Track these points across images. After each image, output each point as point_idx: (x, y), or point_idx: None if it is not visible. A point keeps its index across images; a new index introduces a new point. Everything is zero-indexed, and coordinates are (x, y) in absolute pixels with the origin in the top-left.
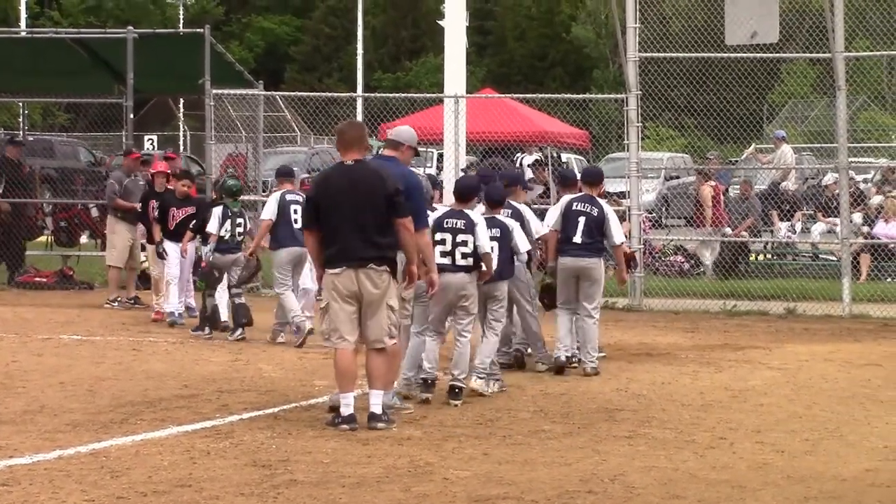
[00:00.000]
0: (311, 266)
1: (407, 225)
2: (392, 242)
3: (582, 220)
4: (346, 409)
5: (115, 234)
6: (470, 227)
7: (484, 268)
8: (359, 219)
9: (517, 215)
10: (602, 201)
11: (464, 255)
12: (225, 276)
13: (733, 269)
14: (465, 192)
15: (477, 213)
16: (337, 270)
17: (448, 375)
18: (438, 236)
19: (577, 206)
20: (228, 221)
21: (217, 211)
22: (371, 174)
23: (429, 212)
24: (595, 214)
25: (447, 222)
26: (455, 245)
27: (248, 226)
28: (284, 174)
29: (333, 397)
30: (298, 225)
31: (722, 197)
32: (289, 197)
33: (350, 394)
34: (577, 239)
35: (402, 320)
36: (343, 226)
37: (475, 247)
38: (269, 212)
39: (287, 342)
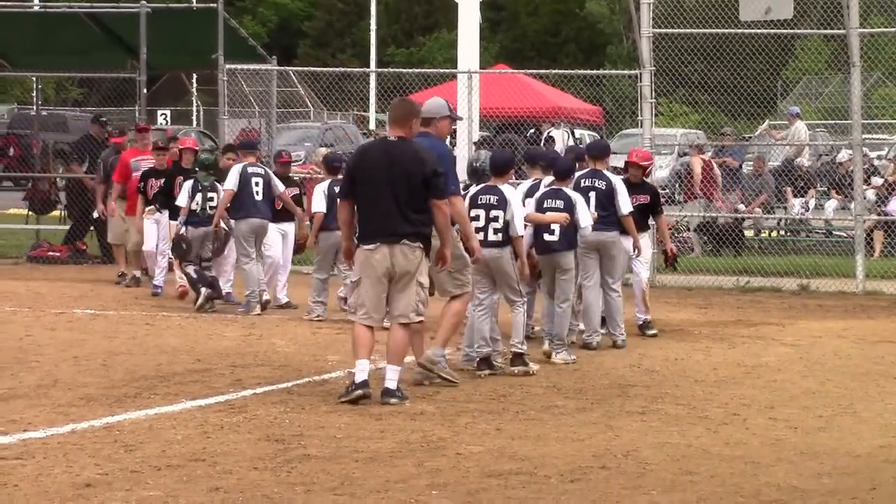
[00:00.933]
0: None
1: (442, 207)
2: (426, 220)
3: (592, 195)
4: (360, 375)
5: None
6: (502, 204)
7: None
8: (394, 195)
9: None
10: (609, 173)
11: (496, 231)
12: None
13: (735, 244)
14: (500, 167)
15: (510, 189)
16: (371, 246)
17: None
18: (473, 213)
19: (584, 182)
20: (199, 195)
21: (187, 185)
22: (411, 153)
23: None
24: (604, 188)
25: (481, 198)
26: (488, 221)
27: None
28: (247, 146)
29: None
30: (260, 197)
31: (717, 171)
32: (250, 169)
33: (364, 360)
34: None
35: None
36: (379, 201)
37: (506, 222)
38: (230, 183)
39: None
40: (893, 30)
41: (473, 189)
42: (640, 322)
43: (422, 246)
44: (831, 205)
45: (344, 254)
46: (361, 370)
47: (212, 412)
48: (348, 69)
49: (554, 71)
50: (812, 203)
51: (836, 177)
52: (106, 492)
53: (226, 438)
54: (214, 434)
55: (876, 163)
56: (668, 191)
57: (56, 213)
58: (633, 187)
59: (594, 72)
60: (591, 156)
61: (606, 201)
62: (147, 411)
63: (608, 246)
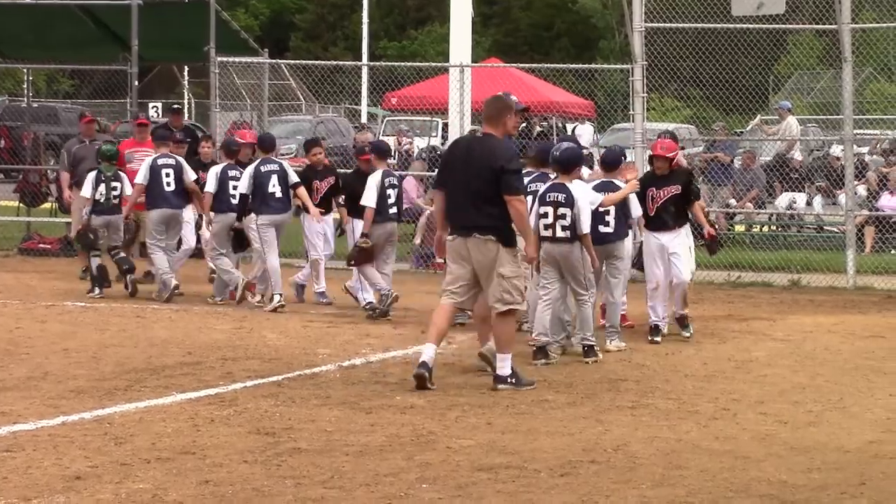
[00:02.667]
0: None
1: (515, 203)
2: (499, 213)
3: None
4: (424, 356)
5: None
6: (570, 202)
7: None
8: (470, 188)
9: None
10: (619, 181)
11: (563, 228)
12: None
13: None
14: (567, 165)
15: (578, 186)
16: (450, 238)
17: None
18: (542, 210)
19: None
20: (103, 185)
21: (91, 175)
22: (488, 148)
23: None
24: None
25: (549, 196)
26: (556, 218)
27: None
28: (159, 138)
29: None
30: (171, 188)
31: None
32: (160, 161)
33: (431, 344)
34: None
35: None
36: (457, 193)
37: (573, 220)
38: (141, 176)
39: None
40: (885, 25)
41: (542, 186)
42: (678, 316)
43: (493, 238)
44: (819, 200)
45: (436, 244)
46: (426, 353)
47: (202, 405)
48: (340, 62)
49: (546, 65)
50: (803, 198)
51: (827, 171)
52: (95, 484)
53: (216, 431)
54: (204, 427)
55: (867, 158)
56: None
57: (47, 205)
58: (661, 179)
59: (586, 66)
60: (603, 165)
61: (620, 210)
62: (137, 404)
63: (614, 250)
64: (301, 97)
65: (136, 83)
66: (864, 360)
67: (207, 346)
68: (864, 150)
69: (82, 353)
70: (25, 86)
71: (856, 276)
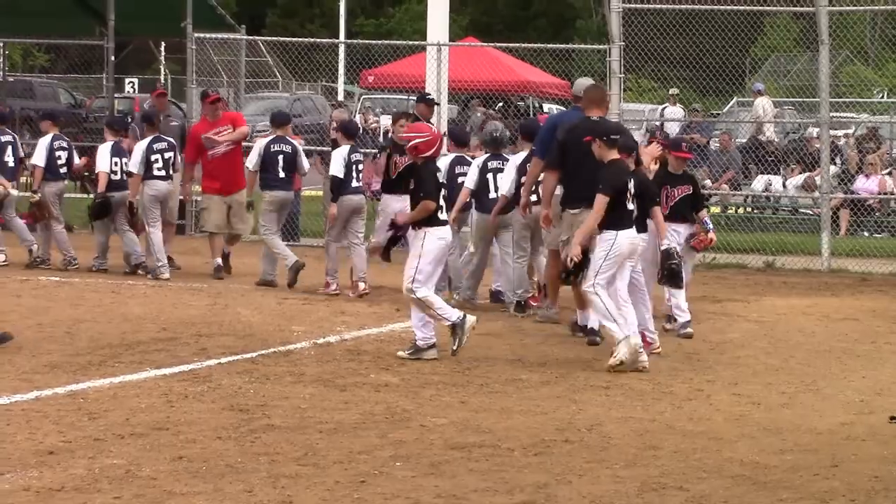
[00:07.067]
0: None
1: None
2: None
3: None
4: (589, 322)
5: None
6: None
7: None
8: (597, 165)
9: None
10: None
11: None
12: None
13: None
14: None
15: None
16: (576, 211)
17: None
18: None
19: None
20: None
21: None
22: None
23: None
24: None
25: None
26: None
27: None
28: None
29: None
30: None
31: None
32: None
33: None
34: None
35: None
36: (586, 171)
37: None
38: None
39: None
40: (862, 8)
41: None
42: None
43: None
44: (794, 181)
45: (543, 219)
46: (586, 316)
47: (176, 381)
48: (317, 39)
49: (523, 45)
50: (779, 181)
51: (802, 155)
52: (69, 459)
53: (190, 408)
54: (178, 403)
55: (841, 141)
56: None
57: (23, 179)
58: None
59: (563, 46)
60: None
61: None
62: (111, 379)
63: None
64: (278, 74)
65: (113, 58)
66: (837, 342)
67: (182, 322)
68: (840, 133)
69: (56, 328)
70: (1, 60)
71: (830, 258)
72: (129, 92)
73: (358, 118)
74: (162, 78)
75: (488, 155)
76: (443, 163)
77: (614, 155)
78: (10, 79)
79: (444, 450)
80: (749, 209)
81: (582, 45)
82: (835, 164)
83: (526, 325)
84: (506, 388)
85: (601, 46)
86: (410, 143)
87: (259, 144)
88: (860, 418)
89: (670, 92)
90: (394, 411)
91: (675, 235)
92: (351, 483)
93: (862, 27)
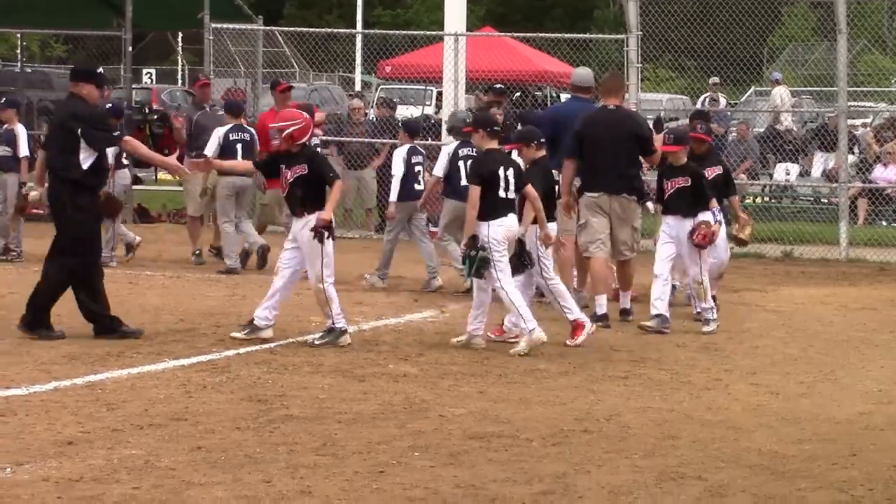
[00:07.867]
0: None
1: (654, 159)
2: (636, 174)
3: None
4: (601, 309)
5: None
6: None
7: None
8: (616, 154)
9: None
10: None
11: None
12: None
13: None
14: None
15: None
16: (595, 195)
17: None
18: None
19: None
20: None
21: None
22: (628, 118)
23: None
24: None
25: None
26: None
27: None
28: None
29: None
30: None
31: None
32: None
33: (604, 296)
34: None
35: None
36: (603, 160)
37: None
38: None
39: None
40: None
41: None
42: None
43: (635, 198)
44: (817, 169)
45: (564, 206)
46: (600, 305)
47: (194, 372)
48: (334, 30)
49: (540, 34)
50: (796, 170)
51: (825, 138)
52: (87, 450)
53: (208, 398)
54: (197, 394)
55: (859, 132)
56: None
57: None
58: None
59: (581, 35)
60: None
61: None
62: (130, 370)
63: None
64: (295, 65)
65: (130, 49)
66: (855, 331)
67: (200, 313)
68: (858, 122)
69: (75, 318)
70: (19, 51)
71: (848, 248)
72: (146, 83)
73: (372, 111)
74: (179, 68)
75: (459, 142)
76: (398, 154)
77: (493, 145)
78: (28, 70)
79: (462, 440)
80: (767, 199)
81: (599, 35)
82: (853, 153)
83: (543, 314)
84: (524, 379)
85: (619, 36)
86: (285, 132)
87: (217, 133)
88: (879, 408)
89: (711, 81)
90: (412, 401)
91: (667, 227)
92: (370, 473)
93: (880, 16)
